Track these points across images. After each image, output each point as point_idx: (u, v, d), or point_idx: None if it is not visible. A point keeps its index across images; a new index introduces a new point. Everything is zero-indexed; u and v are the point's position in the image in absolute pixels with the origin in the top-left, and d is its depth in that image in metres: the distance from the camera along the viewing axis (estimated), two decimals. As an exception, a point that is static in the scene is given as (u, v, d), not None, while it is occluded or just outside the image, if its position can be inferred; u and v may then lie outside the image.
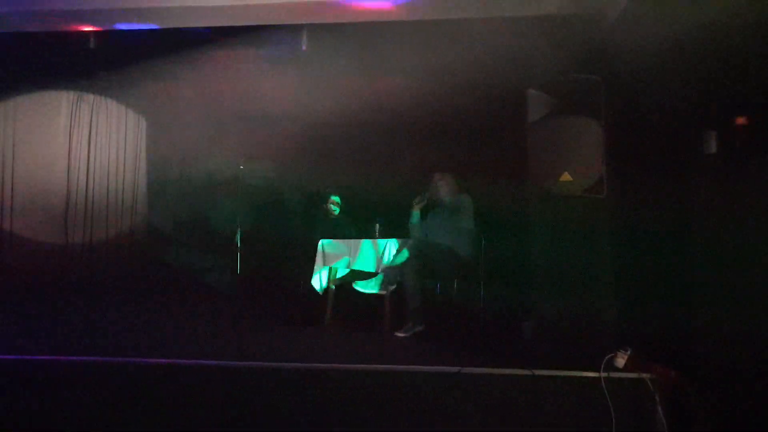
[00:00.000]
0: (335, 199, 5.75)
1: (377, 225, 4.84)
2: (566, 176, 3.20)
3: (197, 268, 6.35)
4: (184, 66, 5.90)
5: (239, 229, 5.24)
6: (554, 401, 2.76)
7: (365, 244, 4.46)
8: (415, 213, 4.47)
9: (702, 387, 2.64)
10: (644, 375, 2.73)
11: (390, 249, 4.34)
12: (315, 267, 4.60)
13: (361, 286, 4.34)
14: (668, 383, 2.70)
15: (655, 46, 3.31)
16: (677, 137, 3.09)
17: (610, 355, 2.84)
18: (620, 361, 2.83)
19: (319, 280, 4.62)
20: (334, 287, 4.59)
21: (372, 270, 4.39)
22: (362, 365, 2.96)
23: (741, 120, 2.64)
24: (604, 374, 2.74)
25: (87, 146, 6.58)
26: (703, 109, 2.90)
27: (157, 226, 6.70)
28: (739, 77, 2.69)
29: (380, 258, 4.34)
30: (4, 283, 5.92)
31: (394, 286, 4.25)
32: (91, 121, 6.62)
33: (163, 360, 3.06)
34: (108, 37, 5.40)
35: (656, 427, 2.67)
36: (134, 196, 6.77)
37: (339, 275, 4.65)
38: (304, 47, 5.20)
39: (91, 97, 6.63)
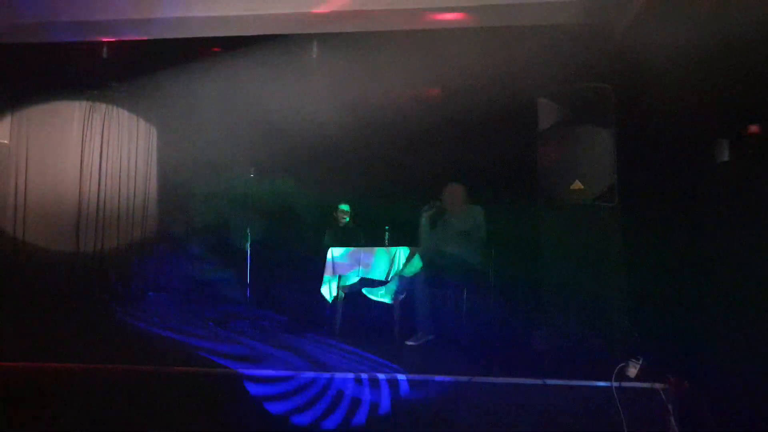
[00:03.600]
0: (345, 207, 5.76)
1: (387, 234, 4.84)
2: (577, 184, 3.20)
3: (207, 276, 6.37)
4: (194, 76, 5.96)
5: (249, 238, 5.25)
6: (566, 411, 2.74)
7: (375, 252, 4.46)
8: (425, 222, 4.47)
9: (715, 398, 2.62)
10: (657, 385, 2.71)
11: (399, 258, 4.34)
12: (324, 275, 4.60)
13: (370, 293, 4.34)
14: (681, 394, 2.67)
15: (666, 54, 3.31)
16: (688, 145, 3.08)
17: (621, 365, 2.82)
18: (632, 370, 2.81)
19: (329, 289, 4.62)
20: (343, 296, 4.59)
21: (382, 279, 4.38)
22: (372, 374, 2.95)
23: (753, 128, 2.63)
24: (615, 384, 2.72)
25: (99, 155, 6.64)
26: (715, 117, 2.89)
27: (168, 234, 6.73)
28: (751, 85, 2.68)
29: (390, 267, 4.34)
30: (17, 291, 5.96)
31: (403, 295, 4.24)
32: (102, 130, 6.68)
33: (173, 367, 3.07)
34: (120, 47, 5.46)
35: (670, 438, 2.64)
36: (145, 205, 6.81)
37: (349, 284, 4.65)
38: (314, 56, 5.23)
39: (103, 106, 6.70)
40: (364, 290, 4.26)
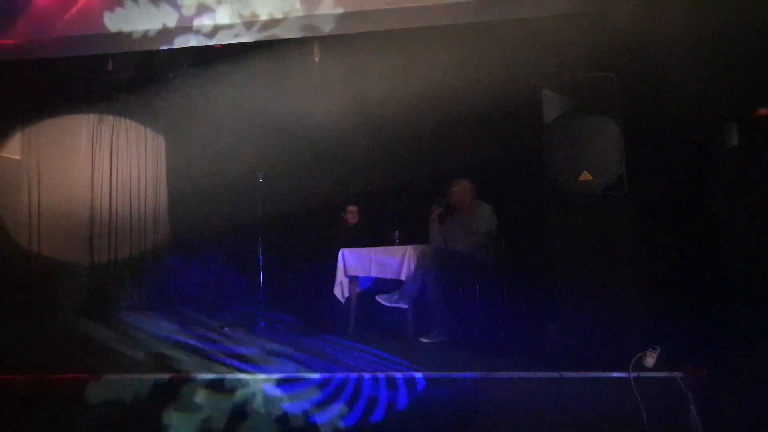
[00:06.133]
0: (353, 207, 5.77)
1: (396, 232, 4.84)
2: (586, 175, 3.18)
3: (219, 281, 6.41)
4: (199, 83, 6.00)
5: (260, 241, 5.28)
6: (583, 403, 2.73)
7: (385, 252, 4.46)
8: (434, 219, 4.46)
9: (734, 384, 2.59)
10: (675, 374, 2.69)
11: (410, 256, 4.33)
12: (336, 276, 4.61)
13: (383, 300, 4.34)
14: (700, 382, 2.65)
15: (670, 39, 3.28)
16: (697, 130, 3.05)
17: (638, 355, 2.80)
18: (650, 360, 2.79)
19: (340, 289, 4.63)
20: (355, 296, 4.59)
21: (392, 278, 4.38)
22: (388, 372, 2.96)
23: (763, 110, 2.60)
24: (633, 374, 2.70)
25: (109, 166, 6.70)
26: (723, 101, 2.86)
27: (180, 241, 6.78)
28: (759, 67, 2.65)
29: (400, 265, 4.33)
30: (33, 303, 6.02)
31: (416, 295, 4.23)
32: (111, 141, 6.73)
33: (185, 374, 3.10)
34: (124, 59, 5.51)
35: (690, 427, 2.62)
36: (156, 213, 6.87)
37: (360, 283, 4.66)
38: (316, 59, 5.24)
39: (111, 118, 6.75)
40: (377, 298, 4.26)
